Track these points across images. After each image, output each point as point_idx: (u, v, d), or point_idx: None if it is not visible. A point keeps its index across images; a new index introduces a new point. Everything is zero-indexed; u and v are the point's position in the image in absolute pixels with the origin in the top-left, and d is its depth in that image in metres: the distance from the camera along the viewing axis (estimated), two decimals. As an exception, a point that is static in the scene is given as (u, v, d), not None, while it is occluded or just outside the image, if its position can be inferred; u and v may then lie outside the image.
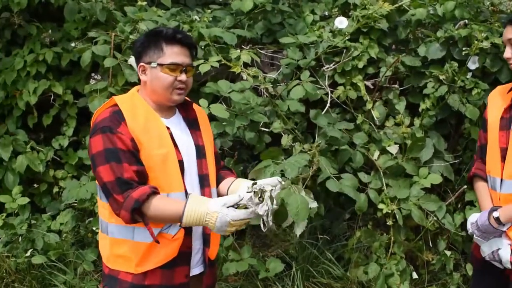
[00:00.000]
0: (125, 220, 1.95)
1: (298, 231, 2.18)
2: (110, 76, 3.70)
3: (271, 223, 2.00)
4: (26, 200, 3.82)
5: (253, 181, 2.05)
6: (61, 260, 3.73)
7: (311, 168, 3.25)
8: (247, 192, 2.04)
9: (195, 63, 3.43)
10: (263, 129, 3.65)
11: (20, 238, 3.75)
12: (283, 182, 2.07)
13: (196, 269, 2.15)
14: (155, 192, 1.96)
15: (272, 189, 2.00)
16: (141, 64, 2.11)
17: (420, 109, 3.63)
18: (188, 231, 2.05)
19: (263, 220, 2.00)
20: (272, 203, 1.98)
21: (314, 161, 3.22)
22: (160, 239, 2.01)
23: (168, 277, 2.05)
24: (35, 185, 4.05)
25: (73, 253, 3.74)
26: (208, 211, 1.87)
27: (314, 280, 3.64)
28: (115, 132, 1.97)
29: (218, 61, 3.47)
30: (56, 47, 4.01)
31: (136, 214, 1.93)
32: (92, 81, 3.83)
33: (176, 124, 2.16)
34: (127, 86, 3.56)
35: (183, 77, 2.06)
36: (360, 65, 3.65)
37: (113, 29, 3.79)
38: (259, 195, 1.96)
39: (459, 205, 3.67)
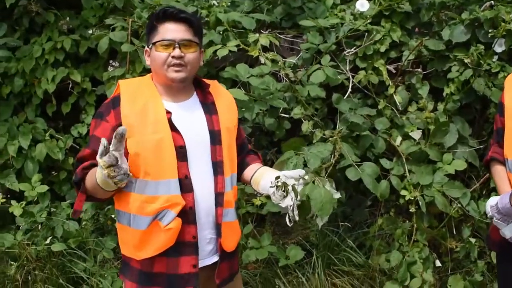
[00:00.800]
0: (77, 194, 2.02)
1: (320, 223, 2.12)
2: (128, 63, 3.68)
3: (296, 218, 1.96)
4: (45, 188, 3.82)
5: (276, 176, 2.01)
6: (81, 248, 3.73)
7: (333, 156, 3.19)
8: (270, 187, 2.03)
9: (212, 48, 3.40)
10: (282, 115, 3.60)
11: (40, 226, 3.75)
12: (306, 177, 2.01)
13: (207, 260, 2.10)
14: (94, 165, 1.92)
15: (295, 183, 1.96)
16: (145, 48, 2.11)
17: (444, 94, 3.55)
18: (190, 220, 2.01)
19: (288, 214, 1.97)
20: (296, 197, 1.94)
21: (336, 148, 3.16)
22: (154, 228, 1.98)
23: (173, 266, 2.02)
24: (54, 173, 4.05)
25: (92, 240, 3.74)
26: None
27: (335, 267, 3.60)
28: (103, 119, 2.01)
29: (236, 46, 3.42)
30: (74, 34, 4.00)
31: (78, 188, 1.98)
32: (110, 68, 3.80)
33: (188, 107, 2.10)
34: (145, 72, 3.53)
35: (176, 52, 1.99)
36: (382, 49, 3.59)
37: (131, 15, 3.75)
38: (283, 189, 1.93)
39: (484, 192, 3.59)
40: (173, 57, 1.99)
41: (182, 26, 2.03)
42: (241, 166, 2.28)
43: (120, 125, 1.91)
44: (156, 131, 1.97)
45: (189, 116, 2.08)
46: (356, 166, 3.28)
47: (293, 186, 1.96)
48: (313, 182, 2.01)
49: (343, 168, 3.30)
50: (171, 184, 1.96)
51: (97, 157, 1.76)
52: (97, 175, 1.84)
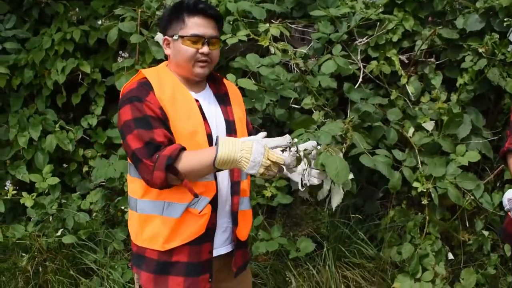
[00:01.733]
0: (160, 181, 1.87)
1: (334, 203, 2.08)
2: (137, 54, 3.65)
3: (312, 181, 1.94)
4: (56, 179, 3.81)
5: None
6: (91, 239, 3.74)
7: (344, 145, 3.16)
8: (280, 150, 1.96)
9: (222, 38, 3.36)
10: (293, 105, 3.56)
11: (50, 217, 3.76)
12: (319, 147, 1.99)
13: (222, 249, 2.11)
14: (184, 148, 1.89)
15: (306, 150, 1.96)
16: (165, 37, 2.08)
17: (457, 84, 3.50)
18: (214, 207, 2.00)
19: (301, 180, 1.96)
20: (309, 164, 1.92)
21: (347, 136, 3.12)
22: (187, 215, 1.96)
23: (195, 254, 2.01)
24: (65, 165, 4.05)
25: (103, 232, 3.74)
26: (242, 141, 1.81)
27: (346, 260, 3.57)
28: (144, 101, 1.92)
29: (246, 36, 3.38)
30: (84, 25, 3.98)
31: (171, 172, 1.86)
32: (119, 59, 3.78)
33: (205, 98, 2.10)
34: (154, 63, 3.51)
35: (205, 49, 1.99)
36: (395, 38, 3.54)
37: (140, 6, 3.72)
38: (296, 149, 1.88)
39: (497, 184, 3.55)
40: (201, 53, 1.99)
41: (210, 22, 2.02)
42: None
43: (161, 107, 1.91)
44: (190, 118, 1.97)
45: (209, 106, 2.08)
46: (368, 153, 3.23)
47: (304, 152, 1.94)
48: (326, 151, 1.98)
49: (355, 158, 3.25)
50: None
51: (273, 152, 1.76)
52: (223, 155, 1.78)
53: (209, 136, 2.00)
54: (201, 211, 1.96)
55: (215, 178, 2.01)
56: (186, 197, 1.94)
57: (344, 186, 2.07)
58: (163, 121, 1.92)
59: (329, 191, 2.07)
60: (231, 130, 2.10)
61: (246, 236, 2.18)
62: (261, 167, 1.77)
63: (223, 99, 2.15)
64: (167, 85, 2.00)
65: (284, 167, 1.87)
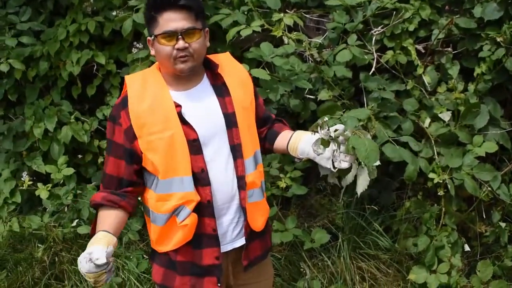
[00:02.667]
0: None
1: (360, 188, 2.04)
2: (152, 45, 3.64)
3: (342, 165, 1.93)
4: (71, 170, 3.83)
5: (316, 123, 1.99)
6: (106, 230, 3.75)
7: (369, 132, 3.12)
8: (311, 131, 2.04)
9: (236, 28, 3.34)
10: (308, 96, 3.54)
11: (66, 208, 3.78)
12: (346, 132, 1.95)
13: (237, 242, 2.10)
14: (104, 205, 2.00)
15: (337, 130, 1.94)
16: (148, 38, 2.01)
17: (475, 74, 3.43)
18: (208, 213, 1.99)
19: (332, 161, 1.95)
20: (338, 147, 1.91)
21: (370, 125, 3.08)
22: (171, 224, 1.99)
23: (197, 256, 2.02)
24: (80, 156, 4.07)
25: (118, 222, 3.75)
26: (80, 257, 1.86)
27: (361, 251, 3.56)
28: (116, 123, 1.99)
29: (261, 26, 3.36)
30: (98, 16, 3.97)
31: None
32: (134, 50, 3.78)
33: (199, 93, 2.02)
34: (169, 54, 3.49)
35: (180, 44, 1.88)
36: (411, 27, 3.48)
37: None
38: (327, 128, 1.90)
39: (515, 175, 3.49)
40: (178, 49, 1.89)
41: (182, 13, 1.89)
42: (271, 136, 2.23)
43: (131, 126, 1.93)
44: (166, 128, 1.91)
45: (201, 104, 2.01)
46: (393, 142, 3.19)
47: (335, 134, 1.92)
48: (354, 134, 1.95)
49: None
50: (185, 181, 1.92)
51: (87, 275, 1.81)
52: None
53: (194, 141, 1.95)
54: (181, 222, 1.95)
55: (205, 185, 1.98)
56: (165, 208, 1.96)
57: (371, 174, 2.03)
58: (126, 150, 1.97)
59: (355, 176, 2.04)
60: (231, 123, 2.02)
61: (262, 226, 2.15)
62: (88, 277, 1.82)
63: (220, 90, 2.05)
64: (148, 93, 1.97)
65: None
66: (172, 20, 1.88)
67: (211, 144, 1.99)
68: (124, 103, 1.96)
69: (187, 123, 1.95)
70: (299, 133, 2.14)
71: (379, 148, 2.99)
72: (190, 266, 2.03)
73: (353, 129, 1.97)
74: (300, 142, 2.08)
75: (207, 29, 2.03)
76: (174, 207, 1.94)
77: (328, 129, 1.88)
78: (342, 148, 1.93)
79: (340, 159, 1.93)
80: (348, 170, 1.97)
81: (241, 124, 2.04)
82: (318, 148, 1.97)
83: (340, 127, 1.98)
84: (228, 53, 2.20)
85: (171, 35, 1.89)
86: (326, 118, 1.92)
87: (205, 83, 2.06)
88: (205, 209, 1.98)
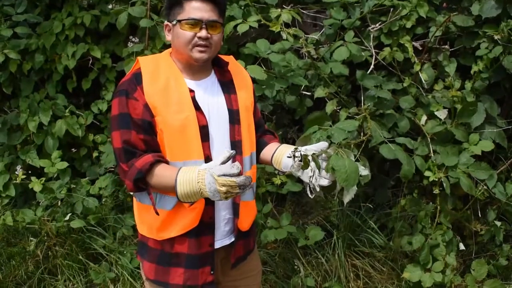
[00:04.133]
0: (129, 189, 1.94)
1: (347, 199, 2.05)
2: (147, 38, 3.63)
3: (318, 189, 1.92)
4: (65, 164, 3.81)
5: (294, 147, 1.98)
6: (100, 225, 3.74)
7: (362, 134, 3.11)
8: (287, 156, 2.02)
9: (233, 23, 3.32)
10: (304, 92, 3.52)
11: (60, 202, 3.77)
12: (329, 150, 1.96)
13: (226, 240, 2.10)
14: (159, 160, 1.90)
15: (315, 153, 1.92)
16: (166, 23, 2.05)
17: (472, 72, 3.43)
18: (209, 200, 1.97)
19: (309, 186, 1.94)
20: (318, 168, 1.90)
21: (365, 125, 3.06)
22: (179, 208, 1.95)
23: (194, 246, 2.01)
24: (73, 150, 4.05)
25: (112, 217, 3.75)
26: (198, 170, 1.79)
27: (356, 249, 3.54)
28: (130, 97, 1.92)
29: (257, 22, 3.34)
30: (94, 10, 3.95)
31: (140, 184, 1.91)
32: (130, 44, 3.76)
33: (207, 86, 2.05)
34: (164, 48, 3.48)
35: (203, 33, 1.94)
36: (408, 25, 3.47)
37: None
38: (300, 159, 1.87)
39: (511, 174, 3.47)
40: (199, 37, 1.94)
41: (209, 5, 1.97)
42: (258, 145, 2.24)
43: (146, 104, 1.89)
44: (180, 111, 1.92)
45: (209, 95, 2.04)
46: (389, 143, 3.18)
47: (313, 156, 1.91)
48: (337, 154, 1.94)
49: (368, 148, 3.20)
50: (198, 164, 1.90)
51: (223, 178, 1.72)
52: (183, 189, 1.80)
53: (204, 128, 1.96)
54: (191, 205, 1.94)
55: None
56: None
57: (360, 181, 2.02)
58: (144, 121, 1.90)
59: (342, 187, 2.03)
60: (234, 119, 2.05)
61: (248, 227, 2.15)
62: (220, 193, 1.74)
63: (227, 86, 2.10)
64: (162, 74, 1.97)
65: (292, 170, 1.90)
66: (199, 9, 1.95)
67: (215, 135, 2.00)
68: (138, 80, 1.94)
69: (199, 108, 1.97)
70: (284, 147, 2.16)
71: (377, 147, 2.99)
72: (185, 258, 2.01)
73: (335, 148, 1.97)
74: (284, 157, 2.09)
75: (223, 30, 2.09)
76: None
77: (300, 157, 1.88)
78: (324, 164, 1.93)
79: (322, 176, 1.93)
80: (330, 187, 1.96)
81: (243, 122, 2.07)
82: (296, 171, 1.98)
83: (319, 147, 1.97)
84: (232, 56, 2.24)
85: (196, 23, 1.94)
86: (296, 153, 1.91)
87: (213, 78, 2.10)
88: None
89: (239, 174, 1.74)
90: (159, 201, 1.98)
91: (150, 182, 1.91)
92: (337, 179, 1.91)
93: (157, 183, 1.90)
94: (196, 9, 1.95)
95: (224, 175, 1.73)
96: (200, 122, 1.95)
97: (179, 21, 1.96)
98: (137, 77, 1.95)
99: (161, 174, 1.89)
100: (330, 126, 2.84)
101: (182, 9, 1.96)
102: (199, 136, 1.94)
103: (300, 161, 1.91)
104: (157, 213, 1.96)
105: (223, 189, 1.72)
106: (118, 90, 1.96)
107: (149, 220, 2.03)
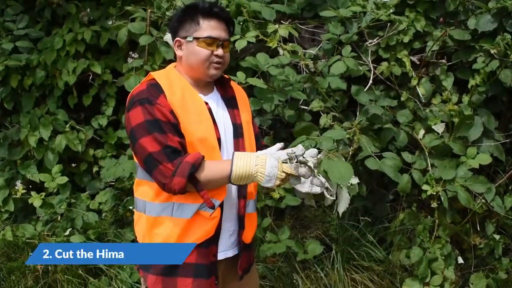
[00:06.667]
0: (179, 187, 1.87)
1: (341, 209, 2.06)
2: (146, 54, 3.66)
3: (313, 189, 1.93)
4: (65, 179, 3.83)
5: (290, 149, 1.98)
6: (100, 239, 3.74)
7: (351, 147, 3.13)
8: (283, 162, 1.98)
9: (231, 39, 3.35)
10: (303, 107, 3.54)
11: (59, 217, 3.78)
12: (320, 155, 1.97)
13: (230, 252, 2.10)
14: (204, 157, 1.92)
15: (310, 160, 1.93)
16: (177, 38, 2.07)
17: (469, 86, 3.45)
18: (221, 211, 2.00)
19: (323, 192, 1.96)
20: (312, 173, 1.92)
21: (354, 139, 3.09)
22: (197, 217, 1.96)
23: (203, 256, 2.01)
24: (73, 164, 4.07)
25: (112, 232, 3.75)
26: (256, 156, 1.87)
27: (355, 263, 3.54)
28: (154, 104, 1.91)
29: (256, 37, 3.37)
30: (95, 26, 3.99)
31: (191, 180, 1.88)
32: (130, 60, 3.79)
33: (214, 101, 2.09)
34: (164, 64, 3.52)
35: (219, 51, 2.01)
36: (406, 39, 3.50)
37: (150, 6, 3.73)
38: (296, 160, 1.89)
39: (510, 187, 3.48)
40: (216, 55, 2.00)
41: (223, 24, 2.04)
42: None
43: (172, 111, 1.90)
44: (201, 122, 1.96)
45: (217, 109, 2.08)
46: (375, 157, 3.20)
47: (303, 160, 1.92)
48: (327, 157, 1.97)
49: (365, 162, 3.22)
50: None
51: (288, 165, 1.82)
52: (238, 170, 1.85)
53: (218, 140, 2.00)
54: (211, 214, 1.96)
55: None
56: (198, 198, 1.94)
57: (350, 191, 2.04)
58: (174, 125, 1.91)
59: (336, 196, 2.04)
60: (238, 134, 2.09)
61: (251, 239, 2.18)
62: (277, 179, 1.83)
63: (230, 102, 2.14)
64: (177, 87, 1.99)
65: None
66: (217, 28, 2.02)
67: (224, 148, 2.04)
68: (158, 88, 1.94)
69: (214, 121, 2.01)
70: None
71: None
72: (193, 268, 2.01)
73: (326, 153, 1.98)
74: (283, 162, 2.09)
75: None
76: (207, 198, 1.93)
77: (298, 160, 1.89)
78: (315, 171, 1.94)
79: (314, 184, 1.94)
80: (322, 194, 1.97)
81: (245, 136, 2.11)
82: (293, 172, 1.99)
83: (309, 154, 1.97)
84: (228, 76, 2.28)
85: (214, 41, 2.00)
86: (294, 150, 1.92)
87: (216, 94, 2.14)
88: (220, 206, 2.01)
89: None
90: (176, 210, 1.97)
91: (199, 177, 1.89)
92: (331, 179, 1.93)
93: (208, 176, 1.89)
94: (213, 28, 2.01)
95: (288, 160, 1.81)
96: (216, 134, 2.00)
97: (196, 38, 2.00)
98: (156, 86, 1.96)
99: (212, 166, 1.90)
100: (318, 135, 2.87)
101: (199, 27, 2.01)
102: (218, 147, 1.98)
103: (297, 162, 1.91)
104: (213, 208, 1.94)
105: (283, 175, 1.82)
106: (138, 99, 1.93)
107: (165, 232, 2.00)
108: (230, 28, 2.08)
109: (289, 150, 1.89)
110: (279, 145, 1.99)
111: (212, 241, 2.02)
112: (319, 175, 1.94)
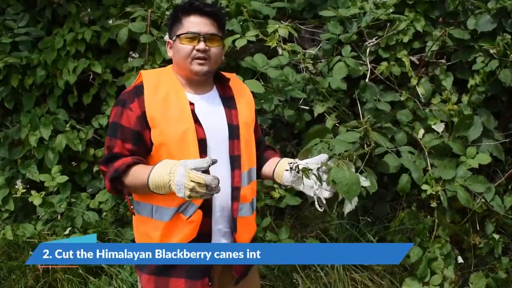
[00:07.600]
0: (109, 190, 1.99)
1: (347, 209, 2.05)
2: (147, 54, 3.66)
3: (324, 201, 1.94)
4: (65, 178, 3.84)
5: (289, 162, 2.01)
6: (101, 239, 3.74)
7: (365, 146, 3.11)
8: (285, 170, 2.04)
9: (231, 38, 3.36)
10: (302, 106, 3.54)
11: (60, 216, 3.78)
12: (329, 162, 1.97)
13: None
14: (137, 162, 1.93)
15: (317, 167, 1.94)
16: (168, 40, 2.11)
17: (468, 85, 3.45)
18: (206, 213, 1.99)
19: (316, 199, 1.96)
20: (320, 181, 1.91)
21: (368, 136, 3.07)
22: (177, 220, 1.97)
23: None
24: (73, 163, 4.08)
25: (112, 231, 3.76)
26: (174, 164, 1.78)
27: (355, 262, 3.54)
28: (126, 108, 1.97)
29: (255, 36, 3.37)
30: (95, 25, 4.00)
31: (117, 184, 1.93)
32: (130, 59, 3.80)
33: (208, 100, 2.08)
34: (165, 63, 3.52)
35: (201, 45, 1.99)
36: (405, 39, 3.50)
37: (150, 6, 3.74)
38: (297, 171, 1.89)
39: (509, 187, 3.49)
40: (197, 50, 1.99)
41: (207, 19, 2.03)
42: (259, 161, 2.26)
43: (144, 113, 1.93)
44: (180, 122, 1.95)
45: (210, 109, 2.06)
46: (393, 153, 3.19)
47: (309, 168, 1.93)
48: (337, 166, 1.96)
49: (369, 159, 3.20)
50: None
51: (194, 173, 1.71)
52: (154, 179, 1.79)
53: (202, 141, 1.98)
54: (188, 218, 1.95)
55: None
56: (174, 202, 1.94)
57: (369, 189, 2.03)
58: (135, 133, 1.94)
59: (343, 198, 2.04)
60: (234, 135, 2.07)
61: (248, 242, 2.15)
62: (186, 189, 1.72)
63: (228, 102, 2.13)
64: (164, 87, 2.01)
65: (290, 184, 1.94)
66: (196, 24, 2.01)
67: (213, 149, 2.01)
68: (138, 91, 1.98)
69: (198, 121, 1.99)
70: (285, 161, 2.17)
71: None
72: (185, 269, 2.01)
73: (336, 159, 1.98)
74: (284, 170, 2.11)
75: (224, 43, 2.13)
76: (183, 201, 1.93)
77: (298, 170, 1.90)
78: (325, 177, 1.94)
79: (323, 188, 1.95)
80: (333, 198, 1.97)
81: (242, 138, 2.09)
82: (297, 184, 2.01)
83: (319, 160, 1.98)
84: (234, 74, 2.28)
85: (195, 36, 2.00)
86: (297, 160, 1.93)
87: (214, 93, 2.13)
88: (204, 209, 1.98)
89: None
90: (156, 212, 1.99)
91: (126, 182, 1.91)
92: (338, 191, 1.92)
93: (132, 182, 1.90)
94: (194, 24, 2.01)
95: (195, 169, 1.74)
96: (198, 135, 1.97)
97: (178, 36, 2.01)
98: (138, 89, 1.99)
99: (137, 172, 1.89)
100: (332, 138, 2.87)
101: (181, 25, 2.02)
102: (197, 148, 1.95)
103: (298, 172, 1.92)
104: (133, 214, 2.02)
105: (191, 184, 1.71)
106: (119, 99, 2.02)
107: (148, 232, 2.03)
108: (218, 23, 2.05)
109: (200, 160, 1.80)
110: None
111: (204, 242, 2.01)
112: (321, 185, 1.94)
